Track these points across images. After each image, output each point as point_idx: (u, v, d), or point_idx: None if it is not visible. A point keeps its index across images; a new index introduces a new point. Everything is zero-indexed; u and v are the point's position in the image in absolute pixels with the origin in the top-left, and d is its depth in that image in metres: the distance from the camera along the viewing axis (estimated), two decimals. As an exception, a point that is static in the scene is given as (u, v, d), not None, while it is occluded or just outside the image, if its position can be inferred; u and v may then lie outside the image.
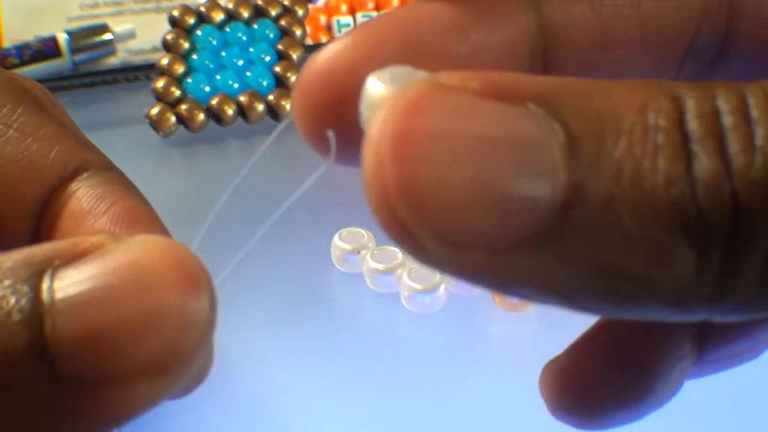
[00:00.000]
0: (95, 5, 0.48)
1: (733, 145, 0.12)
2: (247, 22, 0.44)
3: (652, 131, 0.12)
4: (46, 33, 0.45)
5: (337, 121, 0.15)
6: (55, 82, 0.45)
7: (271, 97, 0.43)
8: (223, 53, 0.44)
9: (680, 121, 0.12)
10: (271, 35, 0.44)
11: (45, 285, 0.13)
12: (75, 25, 0.46)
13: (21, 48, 0.44)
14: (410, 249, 0.12)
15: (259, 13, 0.45)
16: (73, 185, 0.19)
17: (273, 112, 0.43)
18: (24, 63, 0.43)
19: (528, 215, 0.12)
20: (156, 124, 0.42)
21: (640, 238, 0.12)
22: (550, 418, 0.26)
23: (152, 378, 0.13)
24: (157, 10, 0.48)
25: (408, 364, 0.29)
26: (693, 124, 0.12)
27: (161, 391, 0.13)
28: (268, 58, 0.44)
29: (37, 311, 0.13)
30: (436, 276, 0.30)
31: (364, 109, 0.14)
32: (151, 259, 0.13)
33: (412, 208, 0.11)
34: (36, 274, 0.13)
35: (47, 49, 0.44)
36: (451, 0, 0.16)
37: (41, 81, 0.45)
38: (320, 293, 0.32)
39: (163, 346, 0.13)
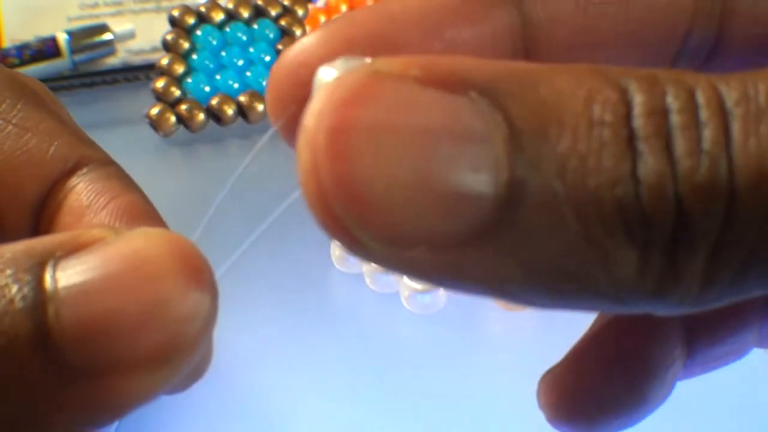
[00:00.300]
0: (95, 5, 0.48)
1: (680, 146, 0.11)
2: (247, 22, 0.44)
3: (597, 126, 0.11)
4: (46, 33, 0.45)
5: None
6: (55, 82, 0.45)
7: (271, 97, 0.43)
8: (223, 53, 0.44)
9: (627, 116, 0.11)
10: (271, 35, 0.44)
11: (48, 274, 0.13)
12: (75, 25, 0.46)
13: (21, 48, 0.44)
14: (347, 247, 0.12)
15: (259, 13, 0.45)
16: (73, 180, 0.19)
17: (273, 112, 0.43)
18: (24, 63, 0.43)
19: (470, 212, 0.11)
20: (156, 124, 0.42)
21: (582, 238, 0.11)
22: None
23: (153, 368, 0.13)
24: (157, 10, 0.48)
25: (408, 363, 0.29)
26: (640, 121, 0.11)
27: (162, 381, 0.13)
28: (268, 58, 0.44)
29: (40, 299, 0.13)
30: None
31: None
32: (152, 250, 0.13)
33: (349, 206, 0.11)
34: (38, 264, 0.13)
35: (47, 49, 0.44)
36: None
37: (41, 81, 0.45)
38: (320, 293, 0.32)
39: (165, 336, 0.13)
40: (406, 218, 0.11)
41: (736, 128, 0.11)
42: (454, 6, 0.16)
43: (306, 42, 0.15)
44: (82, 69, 0.46)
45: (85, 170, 0.19)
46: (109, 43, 0.45)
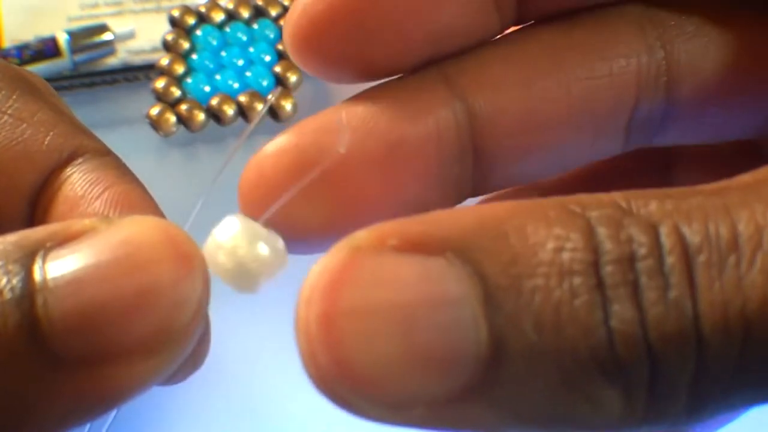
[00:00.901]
0: (95, 5, 0.48)
1: (647, 295, 0.12)
2: (247, 22, 0.44)
3: (567, 275, 0.12)
4: (46, 33, 0.45)
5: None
6: (55, 82, 0.45)
7: (270, 97, 0.43)
8: (223, 53, 0.44)
9: (595, 264, 0.12)
10: (271, 35, 0.44)
11: (37, 265, 0.13)
12: (75, 25, 0.46)
13: (21, 48, 0.44)
14: (355, 415, 0.12)
15: (259, 13, 0.45)
16: (68, 170, 0.18)
17: (273, 112, 0.43)
18: (24, 63, 0.43)
19: (457, 371, 0.12)
20: (156, 124, 0.42)
21: (563, 384, 0.12)
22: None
23: (147, 355, 0.13)
24: (157, 10, 0.48)
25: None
26: (608, 269, 0.12)
27: (157, 369, 0.13)
28: (268, 58, 0.44)
29: (28, 290, 0.13)
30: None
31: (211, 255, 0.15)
32: (143, 237, 0.13)
33: (348, 385, 0.12)
34: (28, 255, 0.13)
35: (47, 49, 0.44)
36: (367, 103, 0.16)
37: (41, 81, 0.45)
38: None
39: (157, 323, 0.13)
40: (401, 387, 0.12)
41: (699, 275, 0.12)
42: (396, 109, 0.16)
43: (262, 156, 0.17)
44: (82, 69, 0.46)
45: (80, 160, 0.19)
46: (109, 43, 0.45)
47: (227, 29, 0.44)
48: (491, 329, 0.12)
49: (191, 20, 0.43)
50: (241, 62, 0.43)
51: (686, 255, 0.12)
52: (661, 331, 0.12)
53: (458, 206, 0.17)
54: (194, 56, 0.43)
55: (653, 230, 0.12)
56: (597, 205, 0.12)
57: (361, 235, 0.12)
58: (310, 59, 0.16)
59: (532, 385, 0.12)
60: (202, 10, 0.44)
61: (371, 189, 0.15)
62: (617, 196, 0.12)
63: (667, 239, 0.12)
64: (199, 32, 0.43)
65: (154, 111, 0.42)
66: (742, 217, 0.12)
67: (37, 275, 0.13)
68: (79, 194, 0.18)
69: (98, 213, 0.18)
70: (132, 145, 0.43)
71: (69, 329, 0.13)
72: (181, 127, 0.42)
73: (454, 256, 0.12)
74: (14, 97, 0.19)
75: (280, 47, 0.44)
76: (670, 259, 0.12)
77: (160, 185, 0.42)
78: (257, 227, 0.15)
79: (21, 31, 0.46)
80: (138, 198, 0.19)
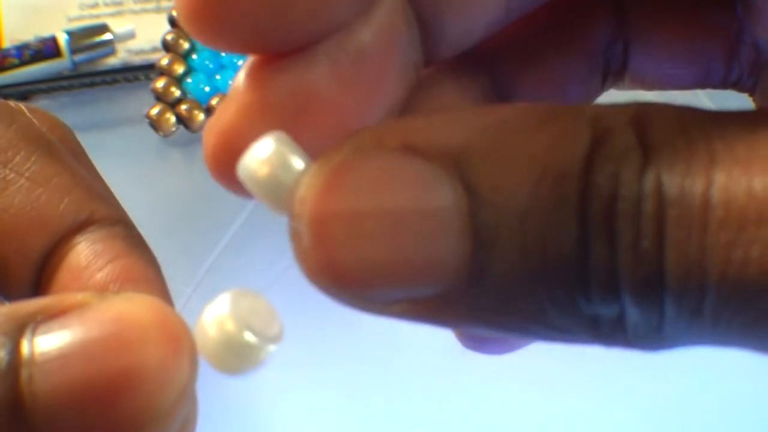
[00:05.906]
0: (95, 5, 0.48)
1: (622, 240, 0.12)
2: (247, 23, 0.44)
3: (556, 205, 0.12)
4: (46, 33, 0.45)
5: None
6: (55, 82, 0.45)
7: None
8: (223, 53, 0.44)
9: (583, 193, 0.12)
10: (271, 35, 0.44)
11: (26, 339, 0.13)
12: (75, 25, 0.46)
13: (21, 48, 0.44)
14: (343, 304, 0.13)
15: (259, 13, 0.45)
16: (77, 238, 0.18)
17: (273, 112, 0.43)
18: (24, 63, 0.43)
19: (438, 280, 0.12)
20: (156, 124, 0.42)
21: (538, 304, 0.12)
22: (548, 422, 0.26)
23: None
24: (157, 10, 0.48)
25: (408, 368, 0.29)
26: (594, 205, 0.12)
27: None
28: (268, 58, 0.44)
29: (14, 364, 0.13)
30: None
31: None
32: (132, 316, 0.13)
33: (335, 285, 0.13)
34: (18, 328, 0.13)
35: (47, 49, 0.44)
36: None
37: (41, 81, 0.45)
38: (320, 298, 0.32)
39: (141, 404, 0.13)
40: (384, 289, 0.12)
41: (669, 230, 0.11)
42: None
43: (225, 121, 0.15)
44: (82, 69, 0.46)
45: (90, 229, 0.19)
46: (109, 43, 0.45)
47: (227, 29, 0.44)
48: (475, 244, 0.12)
49: (191, 20, 0.44)
50: (240, 62, 0.43)
51: (661, 206, 0.11)
52: (630, 279, 0.12)
53: (465, 108, 0.17)
54: (194, 56, 0.43)
55: (638, 171, 0.12)
56: (599, 115, 0.12)
57: (361, 136, 0.12)
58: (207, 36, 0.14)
59: (509, 300, 0.12)
60: (202, 10, 0.44)
61: (349, 98, 0.14)
62: (627, 119, 0.12)
63: (648, 185, 0.12)
64: (199, 32, 0.43)
65: (154, 111, 0.42)
66: (717, 180, 0.11)
67: (24, 349, 0.13)
68: (83, 265, 0.18)
69: (99, 285, 0.18)
70: (132, 145, 0.43)
71: (52, 406, 0.13)
72: (181, 127, 0.42)
73: (451, 164, 0.12)
74: (33, 159, 0.18)
75: (280, 47, 0.44)
76: (646, 207, 0.11)
77: (160, 185, 0.42)
78: (249, 307, 0.15)
79: (21, 31, 0.46)
80: (140, 272, 0.18)
